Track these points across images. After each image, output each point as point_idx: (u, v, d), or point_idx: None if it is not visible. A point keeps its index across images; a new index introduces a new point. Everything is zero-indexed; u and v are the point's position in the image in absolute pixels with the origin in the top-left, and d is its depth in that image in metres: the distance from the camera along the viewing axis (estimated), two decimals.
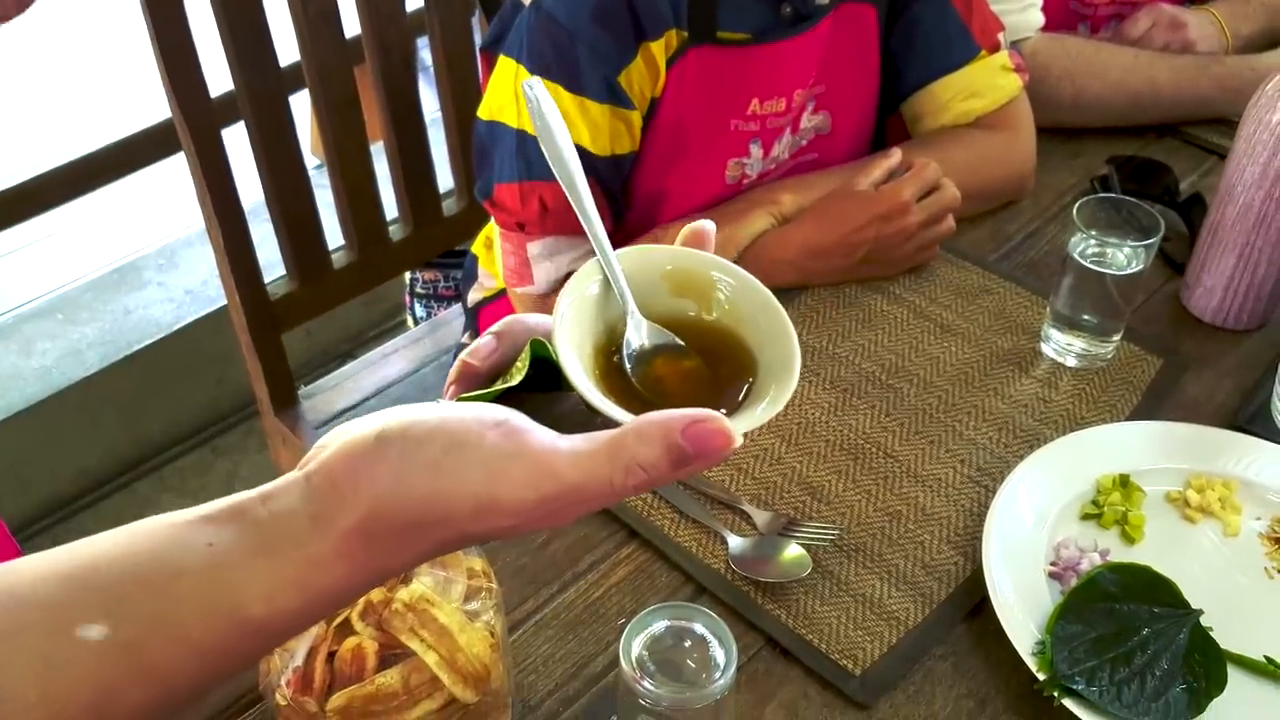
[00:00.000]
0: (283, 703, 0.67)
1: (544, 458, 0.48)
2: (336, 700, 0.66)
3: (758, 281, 0.56)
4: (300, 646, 0.67)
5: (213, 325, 2.14)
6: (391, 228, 1.52)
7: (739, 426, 0.47)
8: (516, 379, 0.53)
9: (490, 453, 0.48)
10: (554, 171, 0.56)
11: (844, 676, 0.78)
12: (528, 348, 0.54)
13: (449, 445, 0.49)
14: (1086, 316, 1.01)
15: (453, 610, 0.68)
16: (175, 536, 0.49)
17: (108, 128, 2.15)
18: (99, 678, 0.47)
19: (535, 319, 0.56)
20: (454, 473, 0.48)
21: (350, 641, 0.67)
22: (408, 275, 1.76)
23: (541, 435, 0.49)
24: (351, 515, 0.48)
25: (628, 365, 0.53)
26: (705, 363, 0.54)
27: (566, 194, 0.56)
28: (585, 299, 0.54)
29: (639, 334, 0.53)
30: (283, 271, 1.45)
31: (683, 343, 0.54)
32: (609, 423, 0.49)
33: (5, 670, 0.45)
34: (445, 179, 1.55)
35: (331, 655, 0.67)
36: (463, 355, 0.55)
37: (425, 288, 1.77)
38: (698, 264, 0.56)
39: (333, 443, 0.50)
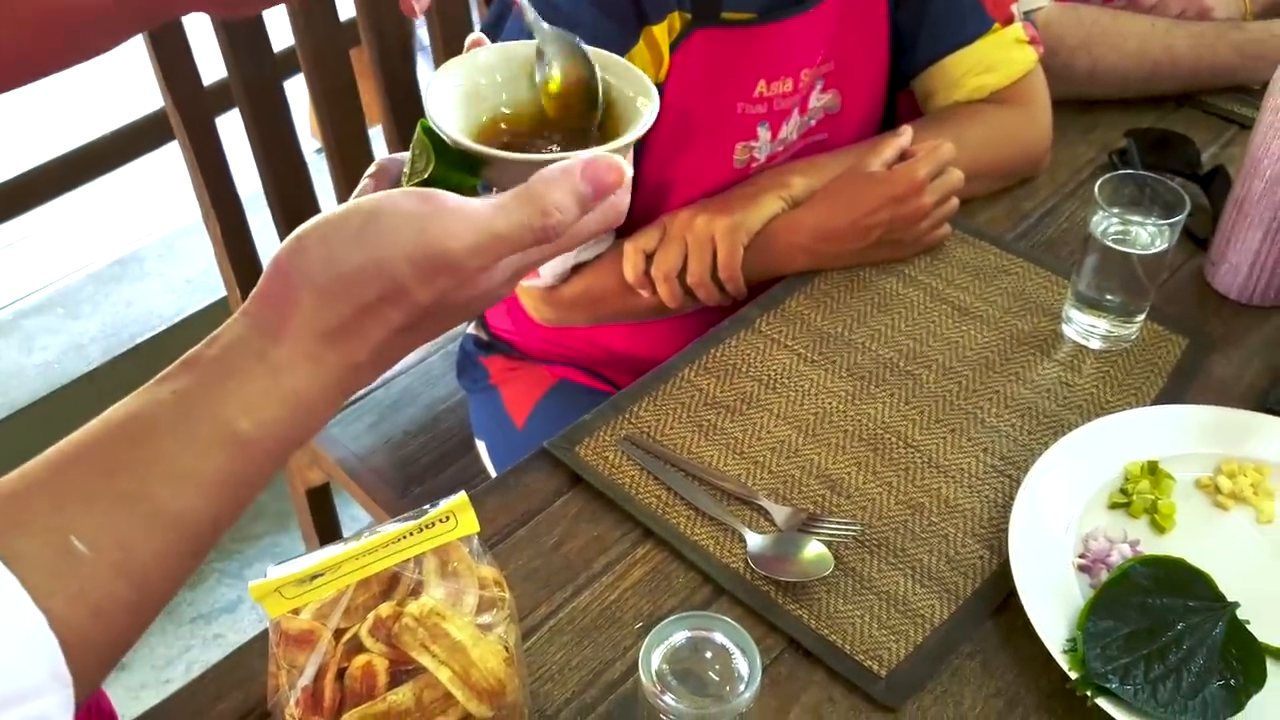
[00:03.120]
0: None
1: (466, 211, 0.51)
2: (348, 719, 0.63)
3: (591, 49, 0.62)
4: (309, 664, 0.64)
5: (217, 315, 2.11)
6: None
7: (630, 136, 0.57)
8: (424, 165, 0.56)
9: (412, 214, 0.50)
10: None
11: (869, 678, 0.76)
12: (419, 132, 0.57)
13: (368, 217, 0.51)
14: (1110, 297, 0.98)
15: (465, 624, 0.66)
16: (138, 400, 0.50)
17: (102, 118, 2.12)
18: (117, 534, 0.47)
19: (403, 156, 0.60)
20: (381, 239, 0.50)
21: (360, 659, 0.65)
22: None
23: (455, 197, 0.52)
24: (297, 315, 0.50)
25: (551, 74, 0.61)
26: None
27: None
28: (458, 88, 0.60)
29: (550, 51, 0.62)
30: None
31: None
32: None
33: (23, 560, 0.45)
34: None
35: (341, 673, 0.65)
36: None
37: None
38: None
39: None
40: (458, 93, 0.61)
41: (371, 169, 0.59)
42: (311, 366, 0.51)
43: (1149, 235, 0.96)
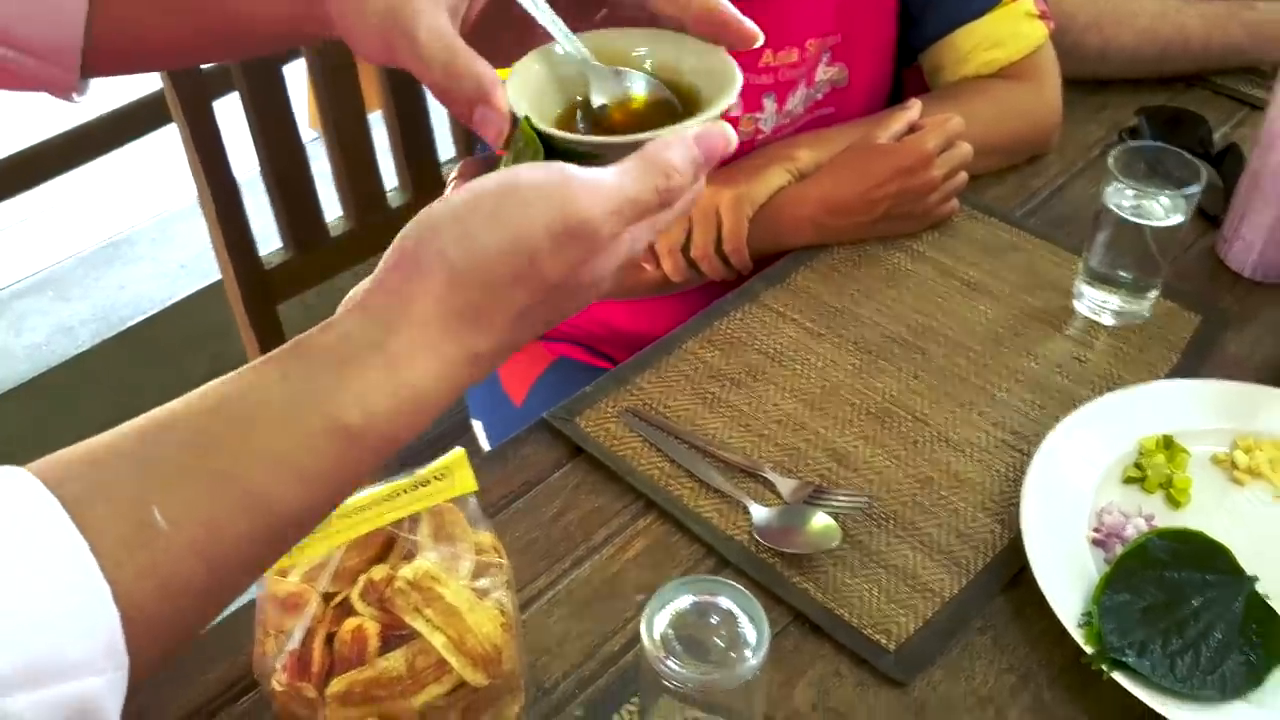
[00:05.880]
0: (278, 688, 0.62)
1: (596, 177, 0.50)
2: (336, 685, 0.61)
3: (668, 31, 0.61)
4: (297, 628, 0.62)
5: (207, 299, 2.08)
6: (390, 195, 1.47)
7: (720, 105, 0.56)
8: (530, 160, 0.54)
9: (545, 186, 0.49)
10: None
11: (878, 652, 0.74)
12: (523, 125, 0.55)
13: (500, 194, 0.49)
14: (1123, 272, 0.96)
15: (460, 588, 0.63)
16: (243, 380, 0.47)
17: (98, 100, 2.09)
18: (201, 512, 0.44)
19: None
20: (518, 214, 0.49)
21: (350, 622, 0.62)
22: None
23: (578, 167, 0.50)
24: (425, 299, 0.48)
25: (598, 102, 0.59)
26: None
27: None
28: (532, 80, 0.59)
29: (602, 86, 0.59)
30: (279, 244, 1.40)
31: (647, 76, 0.60)
32: None
33: (97, 526, 0.42)
34: (446, 146, 1.50)
35: (331, 637, 0.63)
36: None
37: None
38: (615, 40, 0.61)
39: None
40: (534, 85, 0.59)
41: (457, 171, 0.59)
42: (431, 359, 0.48)
43: (1164, 208, 0.94)
